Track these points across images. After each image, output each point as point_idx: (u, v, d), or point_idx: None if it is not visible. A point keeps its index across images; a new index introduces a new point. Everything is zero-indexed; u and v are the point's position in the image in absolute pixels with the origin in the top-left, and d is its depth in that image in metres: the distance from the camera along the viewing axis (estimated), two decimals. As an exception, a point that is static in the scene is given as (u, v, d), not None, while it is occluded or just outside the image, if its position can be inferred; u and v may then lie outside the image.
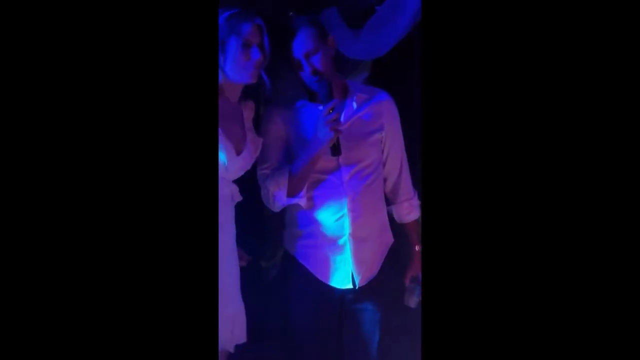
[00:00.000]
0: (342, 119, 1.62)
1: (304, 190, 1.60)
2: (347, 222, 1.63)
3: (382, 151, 1.72)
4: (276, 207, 1.64)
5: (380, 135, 1.70)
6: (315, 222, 1.65)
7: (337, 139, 1.54)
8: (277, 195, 1.60)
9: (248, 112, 1.63)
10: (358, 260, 1.66)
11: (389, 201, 1.79)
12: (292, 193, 1.59)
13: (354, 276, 1.66)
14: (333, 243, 1.65)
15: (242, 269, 1.60)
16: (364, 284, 1.68)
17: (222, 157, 1.47)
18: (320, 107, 1.56)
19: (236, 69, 1.48)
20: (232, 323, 1.53)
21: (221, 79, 1.49)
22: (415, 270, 1.79)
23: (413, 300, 1.79)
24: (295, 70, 1.62)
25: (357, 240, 1.65)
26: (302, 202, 1.61)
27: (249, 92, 1.60)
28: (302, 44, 1.58)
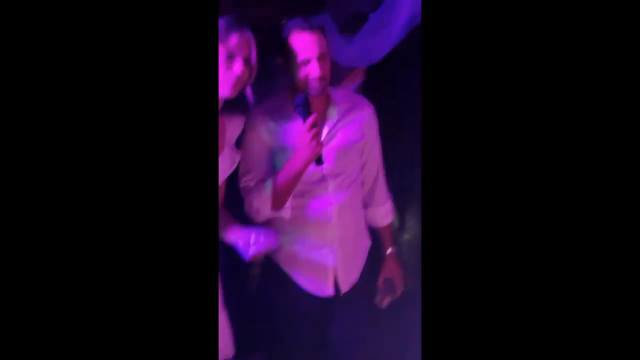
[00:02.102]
0: (324, 130, 1.61)
1: (288, 202, 1.58)
2: (331, 232, 1.64)
3: (361, 157, 1.71)
4: (260, 219, 1.61)
5: (361, 144, 1.68)
6: (299, 231, 1.64)
7: None
8: (261, 208, 1.57)
9: (232, 129, 1.54)
10: (341, 267, 1.66)
11: (364, 205, 1.78)
12: (276, 206, 1.57)
13: (338, 283, 1.67)
14: (316, 252, 1.65)
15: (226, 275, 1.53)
16: (347, 289, 1.69)
17: None
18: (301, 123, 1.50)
19: None
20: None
21: None
22: (387, 271, 1.80)
23: (385, 301, 1.79)
24: (295, 71, 1.54)
25: (341, 248, 1.65)
26: (286, 214, 1.60)
27: (229, 106, 1.49)
28: (317, 45, 1.52)
